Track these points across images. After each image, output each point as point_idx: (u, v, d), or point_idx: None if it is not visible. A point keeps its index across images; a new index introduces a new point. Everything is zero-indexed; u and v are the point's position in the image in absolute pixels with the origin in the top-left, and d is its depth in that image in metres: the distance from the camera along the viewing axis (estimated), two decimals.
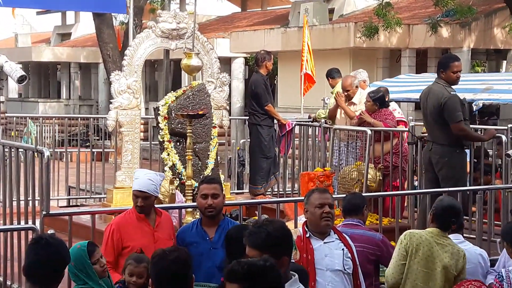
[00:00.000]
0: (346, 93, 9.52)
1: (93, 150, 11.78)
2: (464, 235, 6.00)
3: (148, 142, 11.69)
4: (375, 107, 9.17)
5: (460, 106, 7.35)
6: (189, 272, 3.84)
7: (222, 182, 8.92)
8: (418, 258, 5.11)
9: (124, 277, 4.81)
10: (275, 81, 23.71)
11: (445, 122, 7.32)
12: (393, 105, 10.16)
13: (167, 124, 8.37)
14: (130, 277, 4.78)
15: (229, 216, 7.79)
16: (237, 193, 10.76)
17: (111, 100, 8.71)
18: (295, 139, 10.52)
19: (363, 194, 6.60)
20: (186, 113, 7.68)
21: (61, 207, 10.40)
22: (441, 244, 5.15)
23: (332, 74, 10.72)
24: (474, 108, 11.57)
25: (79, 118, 14.55)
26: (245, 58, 24.87)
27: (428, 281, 5.09)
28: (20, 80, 7.67)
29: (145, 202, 5.17)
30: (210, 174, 8.30)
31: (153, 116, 9.00)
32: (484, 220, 7.52)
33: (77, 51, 32.08)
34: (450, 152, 7.39)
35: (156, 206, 5.51)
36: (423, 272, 5.11)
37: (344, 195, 6.38)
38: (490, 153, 9.39)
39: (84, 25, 36.50)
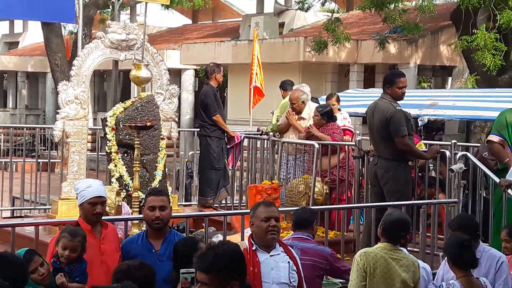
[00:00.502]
0: (291, 106, 9.61)
1: (39, 160, 11.59)
2: (408, 248, 6.08)
3: (96, 153, 11.58)
4: (323, 121, 9.27)
5: (405, 121, 7.47)
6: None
7: (170, 194, 8.91)
8: (377, 277, 5.11)
9: (57, 249, 4.75)
10: (225, 93, 23.76)
11: (390, 136, 7.43)
12: (344, 114, 10.29)
13: (114, 135, 8.31)
14: (63, 251, 4.72)
15: (176, 228, 7.78)
16: (184, 205, 10.72)
17: (58, 110, 8.61)
18: (244, 151, 10.55)
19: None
20: (134, 125, 7.63)
21: (4, 218, 10.22)
22: (396, 258, 5.18)
23: (284, 86, 10.86)
24: (420, 123, 11.77)
25: (25, 128, 14.33)
26: (196, 70, 24.86)
27: None
28: None
29: (102, 208, 5.14)
30: (157, 186, 8.27)
31: (101, 127, 8.93)
32: (427, 234, 7.64)
33: (25, 60, 31.63)
34: (395, 166, 7.50)
35: (103, 218, 5.46)
36: None
37: (292, 208, 6.43)
38: (431, 167, 9.57)
39: (32, 34, 36.04)
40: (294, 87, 10.58)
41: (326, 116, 9.29)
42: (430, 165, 9.42)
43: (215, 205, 10.11)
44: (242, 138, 10.22)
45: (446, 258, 5.29)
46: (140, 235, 5.11)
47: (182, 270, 4.60)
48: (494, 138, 7.86)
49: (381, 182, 7.56)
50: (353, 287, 5.15)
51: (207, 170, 9.90)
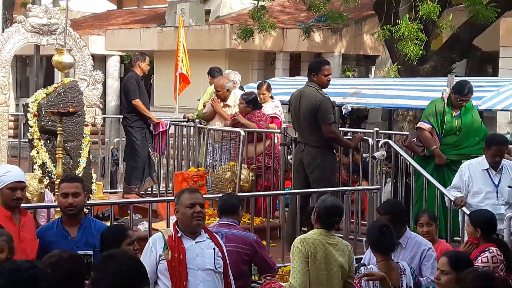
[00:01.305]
0: (216, 93, 9.62)
1: None
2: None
3: (18, 140, 11.33)
4: (248, 109, 9.30)
5: (332, 109, 7.58)
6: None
7: (95, 181, 8.82)
8: (317, 262, 5.19)
9: None
10: (151, 80, 23.56)
11: (318, 124, 7.52)
12: (276, 102, 10.35)
13: (37, 122, 8.17)
14: None
15: (101, 215, 7.71)
16: (110, 193, 10.61)
17: None
18: (170, 138, 10.51)
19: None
20: (56, 111, 7.52)
21: None
22: (332, 243, 5.28)
23: (212, 73, 10.86)
24: (344, 111, 11.95)
25: None
26: (121, 56, 24.55)
27: (328, 282, 5.20)
28: None
29: (22, 193, 5.05)
30: (82, 172, 8.17)
31: (23, 113, 8.75)
32: (351, 220, 7.78)
33: None
34: (322, 154, 7.60)
35: (25, 205, 5.36)
36: (323, 275, 5.20)
37: (218, 195, 6.45)
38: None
39: None
40: (225, 74, 10.61)
41: (251, 103, 9.33)
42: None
43: (141, 192, 10.05)
44: (168, 126, 10.17)
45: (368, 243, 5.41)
46: (54, 222, 5.07)
47: (79, 251, 4.58)
48: (423, 125, 8.08)
49: (307, 169, 7.64)
50: (299, 273, 5.19)
51: (131, 158, 9.85)
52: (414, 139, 8.13)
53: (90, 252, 4.61)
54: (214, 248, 4.92)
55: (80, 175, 7.95)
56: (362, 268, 5.06)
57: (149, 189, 10.33)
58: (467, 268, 4.46)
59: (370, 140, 7.98)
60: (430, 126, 8.03)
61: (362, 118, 19.36)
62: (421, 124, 8.16)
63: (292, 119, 7.91)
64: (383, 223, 5.27)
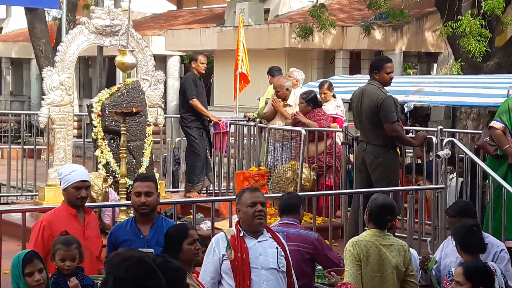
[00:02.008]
0: (276, 93, 9.61)
1: (25, 146, 11.55)
2: (396, 234, 6.10)
3: (82, 139, 11.53)
4: (309, 108, 9.26)
5: (394, 107, 7.48)
6: None
7: (157, 180, 8.89)
8: (370, 265, 5.11)
9: (55, 263, 4.65)
10: (211, 80, 23.69)
11: (380, 122, 7.42)
12: (338, 101, 10.27)
13: (101, 122, 8.28)
14: (62, 263, 4.59)
15: (163, 214, 7.76)
16: (172, 192, 10.71)
17: (43, 97, 8.56)
18: (231, 138, 10.54)
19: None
20: (120, 111, 7.61)
21: None
22: (386, 244, 5.18)
23: (272, 72, 10.85)
24: (406, 109, 11.78)
25: (10, 114, 14.23)
26: (181, 56, 24.76)
27: (382, 284, 5.13)
28: None
29: (86, 192, 5.13)
30: (144, 172, 8.24)
31: (87, 113, 8.88)
32: (415, 220, 7.66)
33: (9, 46, 31.36)
34: (384, 152, 7.51)
35: (89, 204, 5.44)
36: (377, 278, 5.12)
37: (279, 194, 6.43)
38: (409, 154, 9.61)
39: (15, 19, 35.69)
40: (289, 71, 10.61)
41: (311, 102, 9.27)
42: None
43: (202, 191, 10.11)
44: (228, 125, 10.22)
45: (448, 243, 5.31)
46: (129, 220, 5.11)
47: (140, 249, 4.61)
48: (496, 124, 7.87)
49: (369, 168, 7.56)
50: (350, 277, 5.12)
51: (192, 157, 9.92)
52: (487, 138, 7.93)
53: (151, 250, 4.64)
54: (276, 247, 4.90)
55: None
56: (452, 269, 4.91)
57: (210, 188, 10.39)
58: (482, 279, 4.26)
59: (434, 139, 7.84)
60: (503, 125, 7.82)
61: (425, 116, 19.08)
62: (493, 123, 7.94)
63: (353, 117, 7.84)
64: (472, 223, 5.15)
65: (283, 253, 4.93)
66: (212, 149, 10.32)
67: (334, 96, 10.32)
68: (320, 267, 5.80)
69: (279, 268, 4.86)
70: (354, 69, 19.75)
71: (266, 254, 4.84)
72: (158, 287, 2.85)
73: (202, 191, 10.23)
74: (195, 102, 9.74)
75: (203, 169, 9.94)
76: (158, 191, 5.18)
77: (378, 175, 7.49)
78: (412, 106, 11.71)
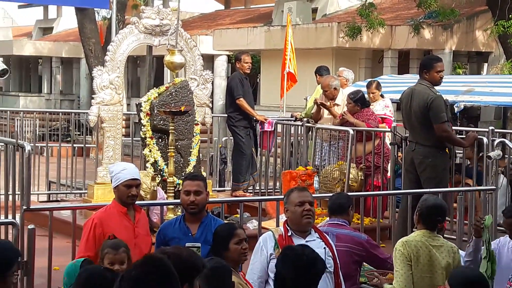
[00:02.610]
0: (324, 93, 9.56)
1: (74, 145, 11.71)
2: (445, 235, 6.02)
3: (130, 138, 11.65)
4: (357, 108, 9.19)
5: (444, 107, 7.38)
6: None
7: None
8: (420, 265, 5.05)
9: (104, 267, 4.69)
10: (258, 79, 23.71)
11: (430, 122, 7.33)
12: (387, 101, 10.18)
13: (149, 121, 8.34)
14: (111, 266, 4.61)
15: (210, 213, 7.78)
16: (218, 191, 10.75)
17: (93, 96, 8.67)
18: (277, 137, 10.53)
19: None
20: (168, 110, 7.66)
21: (41, 202, 10.33)
22: (436, 245, 5.12)
23: (320, 71, 10.80)
24: (456, 110, 11.63)
25: (61, 113, 14.45)
26: (228, 56, 24.85)
27: (432, 285, 5.05)
28: (2, 73, 7.62)
29: (137, 190, 5.17)
30: (192, 171, 8.29)
31: (135, 112, 8.96)
32: (464, 222, 7.55)
33: (59, 45, 31.87)
34: (433, 153, 7.41)
35: (138, 202, 5.48)
36: (427, 278, 5.06)
37: (327, 195, 6.39)
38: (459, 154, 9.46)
39: (66, 19, 36.28)
40: (338, 71, 10.57)
41: (359, 102, 9.20)
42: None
43: (248, 190, 10.12)
44: (274, 124, 10.23)
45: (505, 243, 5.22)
46: (178, 218, 5.12)
47: (187, 244, 4.62)
48: None
49: (418, 168, 7.47)
50: (401, 277, 5.04)
51: (238, 156, 9.95)
52: None
53: (198, 244, 4.64)
54: (324, 248, 4.87)
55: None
56: None
57: (257, 187, 10.39)
58: None
59: (485, 139, 7.72)
60: None
61: (475, 117, 18.80)
62: None
63: (402, 117, 7.75)
64: None
65: (330, 254, 4.90)
66: (259, 148, 10.33)
67: (382, 96, 10.22)
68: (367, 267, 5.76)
69: (327, 268, 4.83)
70: (402, 69, 19.56)
71: None
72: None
73: (249, 190, 10.25)
74: (242, 101, 9.75)
75: (248, 168, 9.95)
76: (207, 190, 5.19)
77: (428, 175, 7.39)
78: (462, 106, 11.56)
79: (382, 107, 9.92)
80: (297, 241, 4.84)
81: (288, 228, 4.89)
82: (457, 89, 12.21)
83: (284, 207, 4.98)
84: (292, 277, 3.83)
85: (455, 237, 7.25)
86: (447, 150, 7.67)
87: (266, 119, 10.05)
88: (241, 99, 9.75)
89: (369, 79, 11.47)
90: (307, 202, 4.86)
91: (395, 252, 5.15)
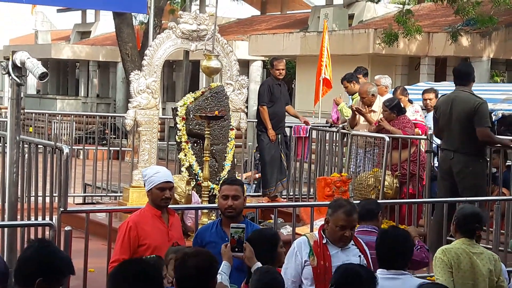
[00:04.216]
0: (361, 99, 9.52)
1: (110, 148, 11.81)
2: (481, 245, 5.94)
3: (165, 142, 11.72)
4: (393, 116, 9.12)
5: (489, 113, 7.41)
6: (212, 277, 3.81)
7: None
8: (461, 272, 5.01)
9: (168, 273, 4.68)
10: (293, 85, 23.69)
11: (473, 129, 7.31)
12: (416, 107, 10.11)
13: (185, 125, 8.38)
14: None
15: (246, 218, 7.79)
16: (252, 196, 10.75)
17: (129, 99, 8.73)
18: (312, 143, 10.51)
19: (379, 201, 6.56)
20: (204, 115, 7.69)
21: (77, 204, 10.43)
22: (476, 252, 5.09)
23: (352, 78, 10.74)
24: (494, 118, 11.51)
25: (97, 116, 14.59)
26: (263, 61, 24.88)
27: None
28: (42, 76, 7.69)
29: (170, 193, 5.20)
30: (226, 176, 8.30)
31: (171, 116, 9.01)
32: (501, 231, 7.45)
33: (96, 49, 32.21)
34: (474, 161, 7.38)
35: (172, 206, 5.51)
36: (469, 285, 5.02)
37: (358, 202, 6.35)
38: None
39: (104, 24, 36.67)
40: (376, 78, 10.54)
41: (395, 109, 9.14)
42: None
43: (282, 195, 10.12)
44: (308, 131, 10.24)
45: None
46: (215, 223, 5.13)
47: (232, 224, 4.64)
48: None
49: (457, 177, 7.40)
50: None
51: (262, 162, 10.07)
52: None
53: (243, 226, 4.67)
54: (359, 256, 4.84)
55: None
56: None
57: (291, 192, 10.38)
58: None
59: None
60: None
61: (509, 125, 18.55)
62: None
63: (438, 125, 7.68)
64: None
65: (365, 262, 4.86)
66: (292, 154, 10.32)
67: (410, 102, 10.16)
68: None
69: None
70: (439, 76, 19.39)
71: (349, 262, 4.77)
72: None
73: (282, 196, 10.23)
74: (263, 109, 9.84)
75: (274, 174, 9.93)
76: (245, 195, 5.19)
77: (467, 184, 7.34)
78: (500, 115, 11.43)
79: (412, 112, 9.86)
80: (332, 249, 4.81)
81: (324, 235, 4.85)
82: (495, 97, 12.08)
83: (326, 217, 4.89)
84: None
85: (491, 246, 7.15)
86: (487, 158, 7.62)
87: (273, 135, 9.87)
88: (264, 106, 9.84)
89: (396, 86, 11.40)
90: (350, 228, 4.80)
91: (435, 261, 5.11)
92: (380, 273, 4.52)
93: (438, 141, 8.15)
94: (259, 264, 4.52)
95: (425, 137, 8.71)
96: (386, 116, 9.15)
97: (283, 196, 10.27)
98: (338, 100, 10.28)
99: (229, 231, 4.61)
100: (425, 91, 10.19)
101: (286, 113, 10.28)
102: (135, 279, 3.18)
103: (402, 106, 9.41)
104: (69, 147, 7.77)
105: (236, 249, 4.58)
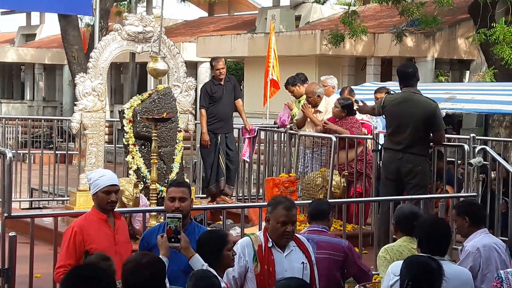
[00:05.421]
0: (307, 99, 9.58)
1: (57, 152, 11.66)
2: None
3: (113, 145, 11.63)
4: (342, 114, 9.21)
5: None
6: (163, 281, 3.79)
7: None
8: None
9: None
10: (241, 86, 23.73)
11: (426, 131, 7.46)
12: None
13: (132, 127, 8.32)
14: None
15: (193, 220, 7.77)
16: (201, 198, 10.73)
17: (75, 102, 8.64)
18: (261, 144, 10.55)
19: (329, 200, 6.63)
20: (151, 117, 7.65)
21: (23, 209, 10.28)
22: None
23: (295, 81, 10.81)
24: None
25: (43, 120, 14.37)
26: (211, 63, 24.85)
27: None
28: None
29: (116, 196, 5.15)
30: (175, 178, 8.28)
31: (118, 119, 8.94)
32: None
33: (42, 52, 31.76)
34: (423, 161, 7.55)
35: (120, 209, 5.46)
36: None
37: (309, 201, 6.41)
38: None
39: (49, 26, 36.19)
40: (322, 79, 10.63)
41: (347, 109, 9.23)
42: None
43: (231, 197, 10.14)
44: (256, 131, 10.27)
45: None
46: (161, 225, 5.09)
47: (168, 214, 4.63)
48: None
49: (406, 176, 7.50)
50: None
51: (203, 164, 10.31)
52: None
53: (179, 215, 4.66)
54: (302, 262, 4.86)
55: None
56: (501, 271, 4.83)
57: (240, 194, 10.39)
58: None
59: (466, 146, 7.77)
60: None
61: (457, 124, 18.91)
62: None
63: (389, 124, 7.75)
64: None
65: (308, 267, 4.89)
66: (240, 154, 10.38)
67: (356, 102, 10.28)
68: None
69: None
70: (385, 76, 19.65)
71: (292, 270, 4.79)
72: None
73: (238, 196, 10.27)
74: (201, 112, 9.99)
75: (212, 174, 10.01)
76: (192, 197, 5.18)
77: (417, 182, 7.47)
78: (444, 114, 11.62)
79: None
80: (277, 254, 4.82)
81: (269, 237, 4.86)
82: (439, 96, 12.26)
83: (267, 215, 4.92)
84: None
85: None
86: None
87: (207, 139, 9.95)
88: (202, 110, 9.98)
89: (343, 87, 11.51)
90: (291, 223, 4.81)
91: (379, 260, 5.17)
92: None
93: (381, 141, 8.25)
94: (198, 257, 4.50)
95: (371, 136, 8.81)
96: (336, 113, 9.21)
97: (232, 197, 10.28)
98: (291, 105, 10.26)
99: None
100: (377, 91, 10.30)
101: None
102: (88, 284, 3.15)
103: (354, 108, 9.47)
104: (13, 151, 7.64)
105: (173, 240, 4.56)
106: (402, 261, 4.52)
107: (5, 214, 5.71)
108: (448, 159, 9.20)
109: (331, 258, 5.51)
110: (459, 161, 8.27)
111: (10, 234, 5.40)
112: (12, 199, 6.05)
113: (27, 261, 5.60)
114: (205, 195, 10.86)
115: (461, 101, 12.06)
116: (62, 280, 3.22)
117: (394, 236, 6.78)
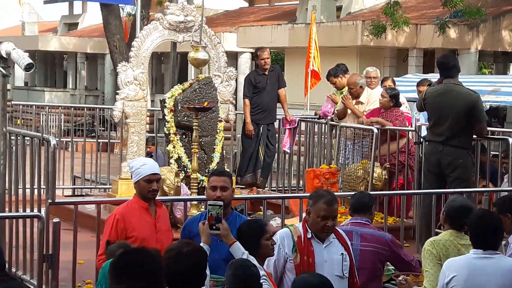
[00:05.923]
0: (349, 90, 9.51)
1: (99, 140, 11.77)
2: None
3: (154, 134, 11.70)
4: (391, 104, 9.09)
5: None
6: (204, 270, 3.81)
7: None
8: None
9: None
10: None
11: (468, 123, 7.35)
12: (402, 99, 10.11)
13: (173, 117, 8.35)
14: None
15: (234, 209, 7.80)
16: (242, 188, 10.74)
17: (117, 91, 8.70)
18: (301, 135, 10.51)
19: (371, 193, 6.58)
20: (192, 106, 7.67)
21: (66, 196, 10.40)
22: (465, 244, 5.09)
23: (337, 73, 10.72)
24: None
25: (85, 108, 14.53)
26: (252, 53, 24.84)
27: None
28: (28, 67, 7.64)
29: (157, 185, 5.18)
30: (215, 167, 8.30)
31: (159, 108, 8.98)
32: None
33: (84, 41, 32.07)
34: (464, 154, 7.43)
35: (161, 198, 5.49)
36: None
37: (349, 193, 6.37)
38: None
39: (91, 15, 36.52)
40: (368, 70, 10.52)
41: (394, 99, 9.10)
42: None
43: (272, 188, 10.14)
44: (297, 122, 10.23)
45: None
46: (203, 214, 5.10)
47: (209, 202, 4.65)
48: None
49: (447, 169, 7.42)
50: (432, 276, 5.01)
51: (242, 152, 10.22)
52: None
53: (220, 203, 4.68)
54: (342, 254, 4.84)
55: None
56: None
57: (280, 185, 10.38)
58: None
59: (510, 140, 7.65)
60: None
61: (501, 117, 18.63)
62: None
63: (431, 116, 7.66)
64: None
65: (348, 259, 4.86)
66: (278, 145, 10.35)
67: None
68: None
69: (343, 275, 4.83)
70: (427, 68, 19.43)
71: (331, 261, 4.78)
72: None
73: (279, 187, 10.25)
74: (244, 102, 9.92)
75: (249, 164, 9.98)
76: (233, 186, 5.18)
77: (457, 176, 7.37)
78: (488, 106, 11.46)
79: None
80: (316, 245, 4.80)
81: (308, 229, 4.84)
82: (483, 89, 12.10)
83: (307, 208, 4.89)
84: None
85: None
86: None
87: (250, 130, 9.93)
88: (245, 100, 9.88)
89: (385, 76, 11.43)
90: (331, 218, 4.79)
91: (423, 252, 5.12)
92: (474, 253, 4.55)
93: (423, 133, 8.16)
94: (238, 244, 4.52)
95: (413, 129, 8.72)
96: (384, 103, 9.09)
97: (272, 188, 10.27)
98: (334, 98, 10.15)
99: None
100: (419, 83, 10.19)
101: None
102: (137, 268, 3.13)
103: (400, 100, 9.35)
104: (57, 138, 7.72)
105: (214, 227, 4.58)
106: (457, 258, 4.50)
107: (49, 200, 5.78)
108: (492, 152, 9.07)
109: (375, 251, 5.48)
110: (502, 155, 8.15)
111: (54, 220, 5.46)
112: (56, 186, 6.12)
113: (70, 248, 5.67)
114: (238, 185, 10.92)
115: (506, 94, 11.89)
116: (111, 264, 3.24)
117: (436, 230, 6.73)
